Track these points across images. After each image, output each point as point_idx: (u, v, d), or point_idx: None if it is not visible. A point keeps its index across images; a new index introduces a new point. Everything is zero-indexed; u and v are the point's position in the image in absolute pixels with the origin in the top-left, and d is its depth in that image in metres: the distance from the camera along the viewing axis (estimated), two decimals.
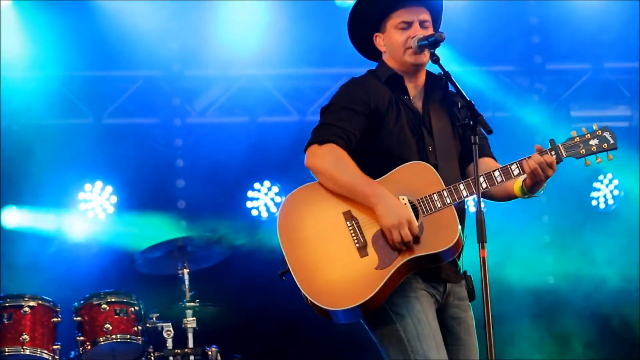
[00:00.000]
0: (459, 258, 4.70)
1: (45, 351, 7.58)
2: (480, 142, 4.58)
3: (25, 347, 7.50)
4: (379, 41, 4.88)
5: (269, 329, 9.57)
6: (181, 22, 9.72)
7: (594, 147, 4.71)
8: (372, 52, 4.97)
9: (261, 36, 9.79)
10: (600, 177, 10.37)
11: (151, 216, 9.64)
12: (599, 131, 4.74)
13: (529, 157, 4.63)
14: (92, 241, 9.71)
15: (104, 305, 7.83)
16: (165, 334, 7.98)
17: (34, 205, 9.61)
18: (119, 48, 9.64)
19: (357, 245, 4.55)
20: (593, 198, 10.41)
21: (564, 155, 4.68)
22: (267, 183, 10.17)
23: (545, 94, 10.26)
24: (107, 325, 7.76)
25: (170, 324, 8.02)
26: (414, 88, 4.86)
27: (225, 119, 10.17)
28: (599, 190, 10.41)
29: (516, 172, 4.65)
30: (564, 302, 9.99)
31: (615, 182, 10.34)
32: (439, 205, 4.57)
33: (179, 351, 7.98)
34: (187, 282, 8.25)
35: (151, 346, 7.98)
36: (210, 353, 8.05)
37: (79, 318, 7.86)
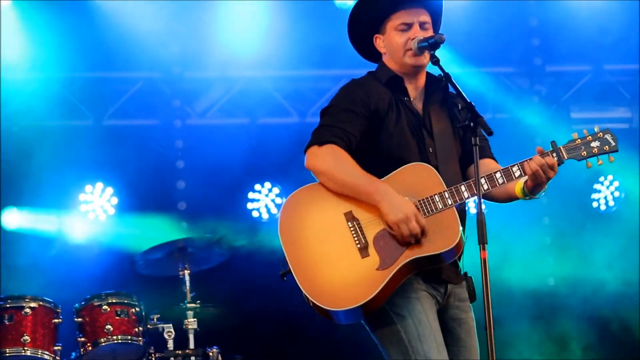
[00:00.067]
0: (459, 259, 4.71)
1: (46, 352, 7.58)
2: (480, 143, 4.58)
3: (26, 348, 7.50)
4: (379, 43, 4.89)
5: (269, 330, 9.57)
6: (181, 24, 9.72)
7: (596, 149, 4.72)
8: (372, 54, 4.98)
9: (261, 38, 9.79)
10: (601, 178, 10.37)
11: (152, 217, 9.65)
12: (600, 133, 4.75)
13: (530, 159, 4.63)
14: (93, 242, 9.71)
15: (105, 307, 7.83)
16: (166, 335, 7.98)
17: (35, 206, 9.61)
18: (119, 50, 9.64)
19: (359, 246, 4.56)
20: (594, 200, 10.41)
21: (566, 157, 4.69)
22: (267, 184, 10.17)
23: (546, 95, 10.27)
24: (108, 326, 7.77)
25: (171, 325, 8.02)
26: (414, 89, 4.87)
27: (226, 121, 10.17)
28: (599, 191, 10.42)
29: (517, 173, 4.66)
30: (564, 303, 9.99)
31: (616, 183, 10.34)
32: (440, 207, 4.58)
33: (179, 352, 7.98)
34: (188, 283, 8.25)
35: (152, 347, 7.97)
36: (211, 354, 8.05)
37: (79, 319, 7.85)
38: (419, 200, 4.59)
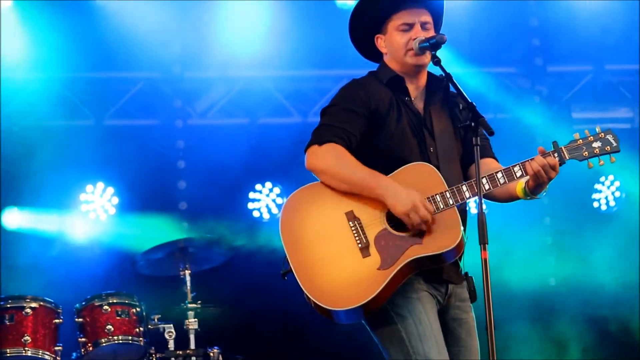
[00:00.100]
0: (460, 259, 4.71)
1: (47, 352, 7.58)
2: (481, 142, 4.59)
3: (27, 348, 7.49)
4: (380, 43, 4.89)
5: (270, 330, 9.57)
6: (182, 24, 9.73)
7: (597, 150, 4.71)
8: (373, 54, 4.98)
9: (262, 38, 9.79)
10: (602, 178, 10.37)
11: (153, 217, 9.65)
12: (602, 134, 4.74)
13: (531, 159, 4.63)
14: (94, 242, 9.71)
15: (106, 307, 7.83)
16: (167, 336, 7.98)
17: (36, 206, 9.61)
18: (120, 50, 9.65)
19: (360, 245, 4.56)
20: (594, 200, 10.41)
21: (567, 158, 4.68)
22: (268, 184, 10.17)
23: (547, 95, 10.26)
24: (109, 327, 7.76)
25: (172, 325, 8.02)
26: (415, 89, 4.87)
27: (227, 121, 10.17)
28: (600, 191, 10.42)
29: (519, 173, 4.65)
30: (565, 304, 9.99)
31: (617, 183, 10.34)
32: (442, 207, 4.58)
33: (180, 352, 7.98)
34: (188, 284, 8.25)
35: (153, 347, 7.97)
36: (212, 354, 8.05)
37: (80, 319, 7.85)
38: None
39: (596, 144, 4.72)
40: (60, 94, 9.77)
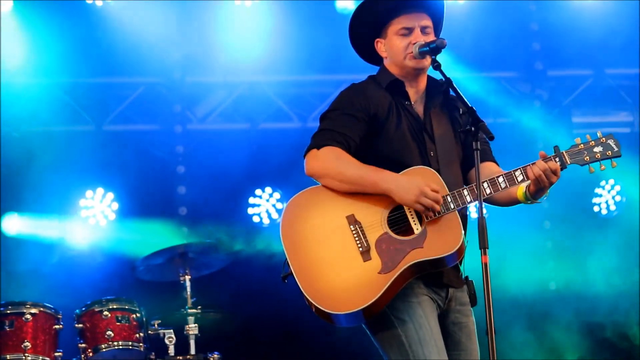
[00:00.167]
0: (461, 263, 4.70)
1: (47, 358, 7.56)
2: (482, 146, 4.59)
3: (27, 354, 7.48)
4: (380, 47, 4.89)
5: (270, 336, 9.56)
6: (182, 29, 9.74)
7: (598, 155, 4.71)
8: (373, 57, 4.97)
9: (262, 43, 9.79)
10: (602, 182, 10.37)
11: (152, 223, 9.64)
12: (603, 138, 4.74)
13: (533, 164, 4.63)
14: (94, 248, 9.71)
15: (106, 312, 7.81)
16: (167, 341, 7.96)
17: (35, 212, 9.60)
18: (120, 55, 9.65)
19: (361, 249, 4.55)
20: (595, 204, 10.41)
21: (569, 162, 4.68)
22: (268, 189, 10.16)
23: (547, 100, 10.27)
24: (109, 332, 7.75)
25: (172, 330, 8.00)
26: (415, 93, 4.87)
27: (227, 126, 10.17)
28: (600, 196, 10.42)
29: (520, 178, 4.64)
30: (565, 308, 9.97)
31: (617, 187, 10.35)
32: (443, 211, 4.57)
33: (180, 358, 7.96)
34: (188, 289, 8.24)
35: (153, 353, 7.95)
36: (212, 359, 8.04)
37: (80, 325, 7.84)
38: None
39: (597, 149, 4.72)
40: (60, 99, 9.77)
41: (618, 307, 9.83)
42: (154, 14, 9.57)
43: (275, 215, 10.08)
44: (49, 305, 7.75)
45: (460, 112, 4.86)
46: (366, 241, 4.56)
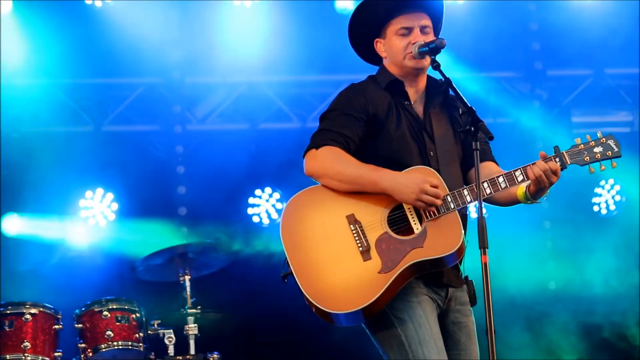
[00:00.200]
0: (460, 263, 4.71)
1: (47, 358, 7.56)
2: (481, 146, 4.60)
3: (26, 354, 7.48)
4: (380, 47, 4.88)
5: (270, 336, 9.55)
6: (182, 30, 9.74)
7: (598, 155, 4.71)
8: (372, 57, 4.97)
9: (261, 43, 9.79)
10: (602, 182, 10.37)
11: (152, 223, 9.64)
12: (603, 139, 4.74)
13: (533, 164, 4.63)
14: (93, 248, 9.70)
15: (106, 312, 7.82)
16: (166, 341, 7.96)
17: (35, 212, 9.60)
18: (120, 55, 9.64)
19: (361, 248, 4.55)
20: (594, 204, 10.41)
21: (569, 162, 4.68)
22: (268, 189, 10.16)
23: (547, 99, 10.27)
24: (109, 332, 7.75)
25: (171, 330, 8.00)
26: (415, 93, 4.87)
27: (226, 126, 10.17)
28: (600, 195, 10.42)
29: (520, 178, 4.64)
30: (564, 308, 9.97)
31: (617, 187, 10.35)
32: (443, 210, 4.57)
33: (180, 358, 7.96)
34: (188, 289, 8.24)
35: (153, 353, 7.96)
36: (211, 359, 8.06)
37: (80, 325, 7.85)
38: None
39: (597, 149, 4.72)
40: (60, 100, 9.77)
41: (617, 307, 9.83)
42: (154, 15, 9.57)
43: (275, 216, 10.07)
44: (49, 305, 7.76)
45: (460, 112, 4.85)
46: (366, 241, 4.56)
